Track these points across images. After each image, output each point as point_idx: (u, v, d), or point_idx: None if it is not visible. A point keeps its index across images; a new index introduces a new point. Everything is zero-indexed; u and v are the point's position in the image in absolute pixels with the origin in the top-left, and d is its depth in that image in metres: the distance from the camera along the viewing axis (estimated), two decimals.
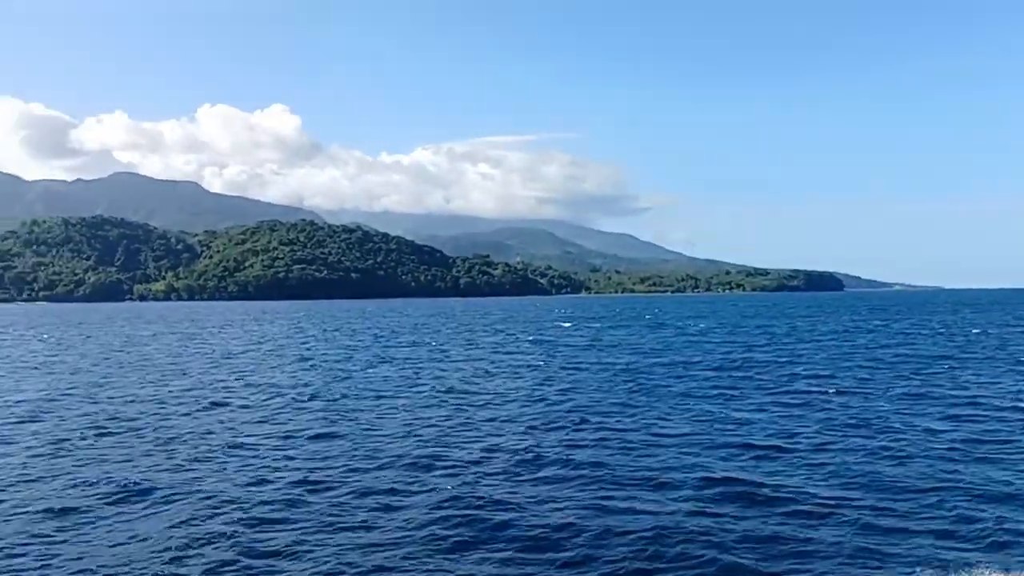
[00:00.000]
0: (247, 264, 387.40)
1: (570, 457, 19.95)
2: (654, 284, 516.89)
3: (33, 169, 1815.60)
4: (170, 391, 34.09)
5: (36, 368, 46.25)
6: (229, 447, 21.70)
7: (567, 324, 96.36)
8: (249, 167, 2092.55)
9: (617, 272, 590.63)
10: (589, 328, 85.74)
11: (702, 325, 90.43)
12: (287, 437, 23.24)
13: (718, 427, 24.14)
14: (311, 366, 45.46)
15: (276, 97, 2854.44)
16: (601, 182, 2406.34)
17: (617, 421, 25.18)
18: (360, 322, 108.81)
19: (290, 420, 26.30)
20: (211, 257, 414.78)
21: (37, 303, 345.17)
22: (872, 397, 29.78)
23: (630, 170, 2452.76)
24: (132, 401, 30.93)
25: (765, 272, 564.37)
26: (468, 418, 26.10)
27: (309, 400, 30.89)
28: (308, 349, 58.98)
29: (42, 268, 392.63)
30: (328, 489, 17.23)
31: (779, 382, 34.92)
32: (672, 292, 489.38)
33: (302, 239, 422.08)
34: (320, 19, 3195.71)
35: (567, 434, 23.26)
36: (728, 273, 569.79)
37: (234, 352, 56.87)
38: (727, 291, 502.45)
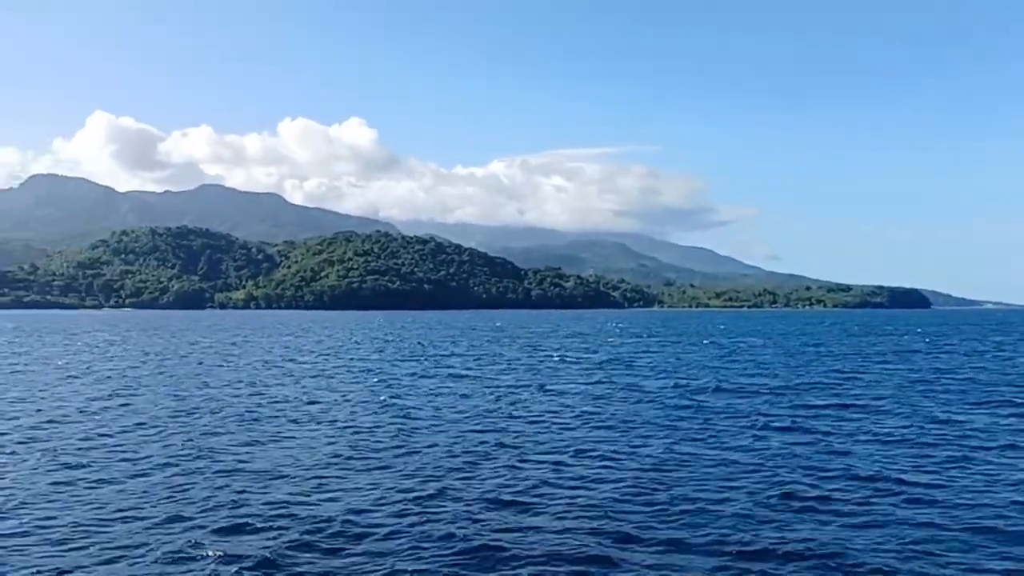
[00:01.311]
0: (323, 274, 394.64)
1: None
2: (730, 299, 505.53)
3: (124, 181, 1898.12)
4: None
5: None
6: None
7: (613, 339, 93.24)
8: (328, 179, 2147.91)
9: (692, 286, 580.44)
10: (623, 344, 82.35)
11: (755, 342, 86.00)
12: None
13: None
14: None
15: (353, 110, 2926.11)
16: (679, 195, 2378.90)
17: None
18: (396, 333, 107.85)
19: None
20: (289, 267, 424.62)
21: (123, 309, 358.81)
22: None
23: (710, 183, 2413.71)
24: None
25: (847, 288, 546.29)
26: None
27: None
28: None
29: (129, 276, 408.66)
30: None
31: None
32: (749, 307, 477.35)
33: (376, 250, 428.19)
34: (397, 33, 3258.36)
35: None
36: (808, 289, 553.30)
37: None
38: (807, 307, 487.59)
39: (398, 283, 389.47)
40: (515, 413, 29.33)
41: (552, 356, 61.63)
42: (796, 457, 21.35)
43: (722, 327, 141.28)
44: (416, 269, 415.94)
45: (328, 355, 62.42)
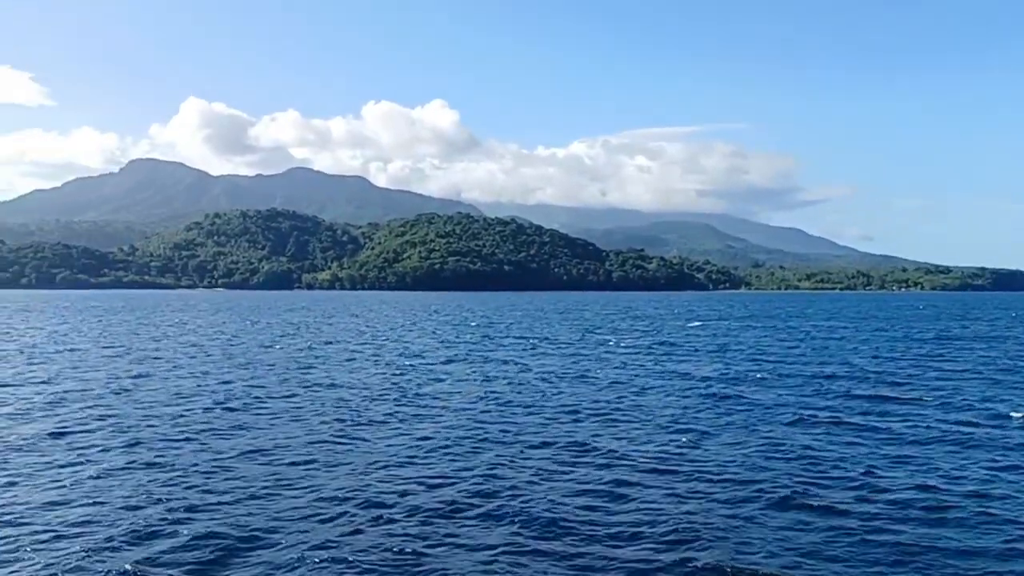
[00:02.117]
0: (405, 256, 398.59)
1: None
2: (821, 281, 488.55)
3: (217, 165, 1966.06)
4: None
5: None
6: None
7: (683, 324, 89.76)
8: (411, 161, 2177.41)
9: (781, 268, 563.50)
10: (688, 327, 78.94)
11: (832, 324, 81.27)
12: None
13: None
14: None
15: (436, 92, 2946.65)
16: (767, 174, 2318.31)
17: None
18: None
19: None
20: (373, 248, 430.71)
21: (216, 290, 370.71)
22: None
23: (800, 161, 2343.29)
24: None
25: (947, 270, 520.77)
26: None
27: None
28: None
29: (221, 257, 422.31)
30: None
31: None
32: (841, 290, 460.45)
33: (458, 231, 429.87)
34: (478, 13, 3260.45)
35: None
36: (904, 270, 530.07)
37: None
38: (902, 289, 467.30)
39: (479, 264, 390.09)
40: (519, 401, 27.30)
41: (608, 340, 59.65)
42: (801, 459, 19.04)
43: (808, 310, 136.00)
44: (497, 250, 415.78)
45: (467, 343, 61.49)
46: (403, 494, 15.89)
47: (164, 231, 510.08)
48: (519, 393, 30.37)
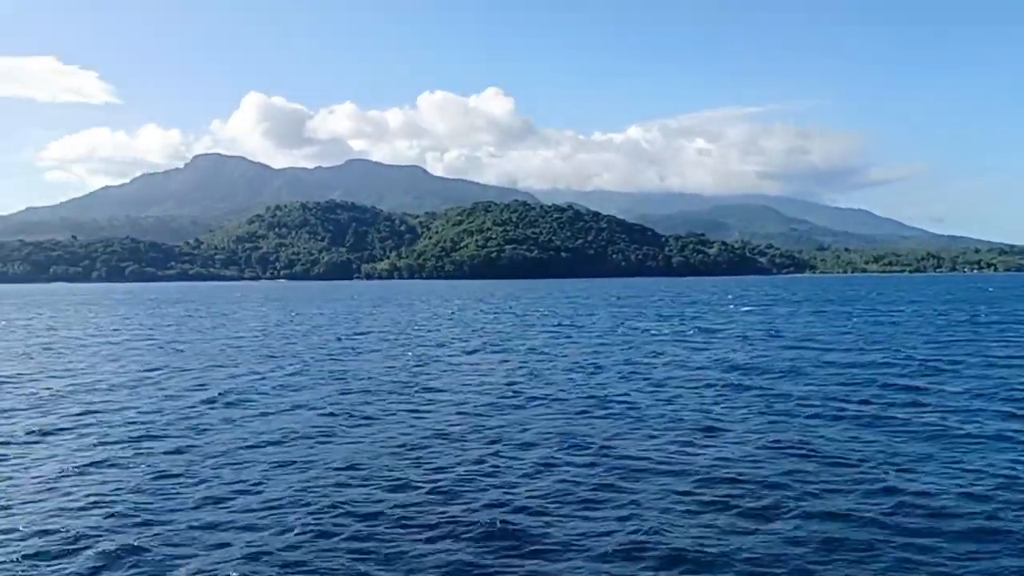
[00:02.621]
0: (462, 244, 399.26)
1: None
2: (889, 263, 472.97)
3: (278, 158, 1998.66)
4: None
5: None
6: None
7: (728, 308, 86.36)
8: (467, 150, 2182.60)
9: (847, 250, 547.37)
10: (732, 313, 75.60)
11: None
12: None
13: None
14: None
15: (491, 80, 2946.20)
16: (831, 154, 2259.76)
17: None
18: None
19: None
20: (430, 238, 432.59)
21: (278, 281, 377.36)
22: None
23: (865, 141, 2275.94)
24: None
25: (1022, 250, 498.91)
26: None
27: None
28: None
29: (283, 249, 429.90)
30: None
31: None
32: (911, 272, 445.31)
33: (514, 219, 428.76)
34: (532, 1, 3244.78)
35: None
36: (977, 251, 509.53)
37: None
38: (975, 271, 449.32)
39: (536, 252, 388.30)
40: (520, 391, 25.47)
41: (649, 327, 57.19)
42: (819, 458, 16.81)
43: (872, 294, 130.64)
44: (554, 237, 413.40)
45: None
46: (367, 489, 14.54)
47: (227, 224, 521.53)
48: (535, 383, 28.78)
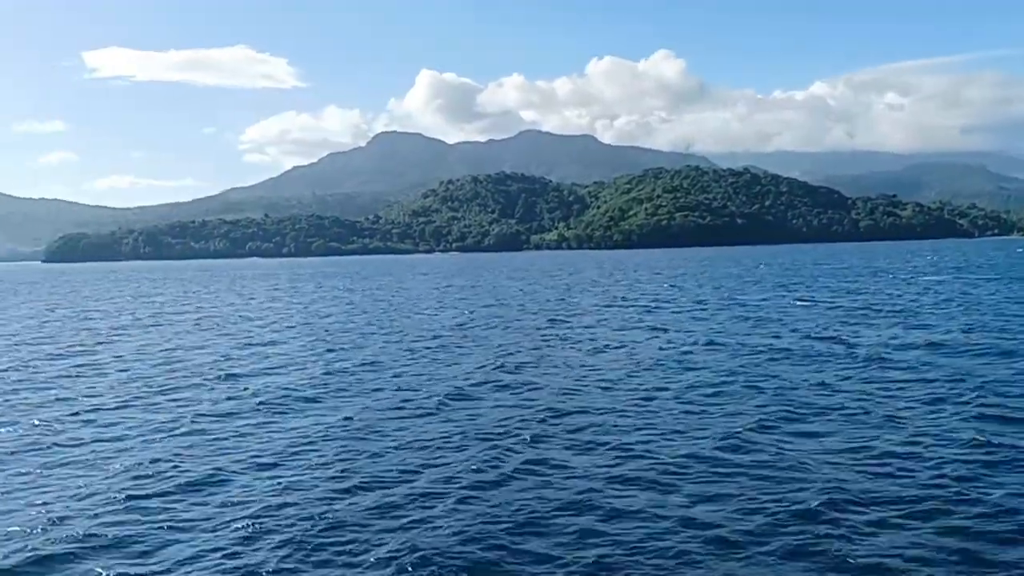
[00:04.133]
0: (631, 213, 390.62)
1: None
2: None
3: (451, 133, 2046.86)
4: None
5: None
6: None
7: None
8: (638, 116, 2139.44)
9: None
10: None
11: None
12: None
13: None
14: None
15: (660, 43, 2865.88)
16: None
17: None
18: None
19: None
20: (598, 207, 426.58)
21: (451, 253, 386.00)
22: None
23: None
24: None
25: None
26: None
27: None
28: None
29: (455, 222, 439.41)
30: None
31: None
32: None
33: (686, 185, 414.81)
34: None
35: None
36: None
37: None
38: None
39: (709, 218, 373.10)
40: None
41: (795, 302, 49.92)
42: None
43: None
44: (728, 203, 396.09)
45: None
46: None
47: (404, 199, 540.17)
48: (606, 369, 25.00)
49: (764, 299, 52.61)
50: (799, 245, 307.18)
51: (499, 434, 16.91)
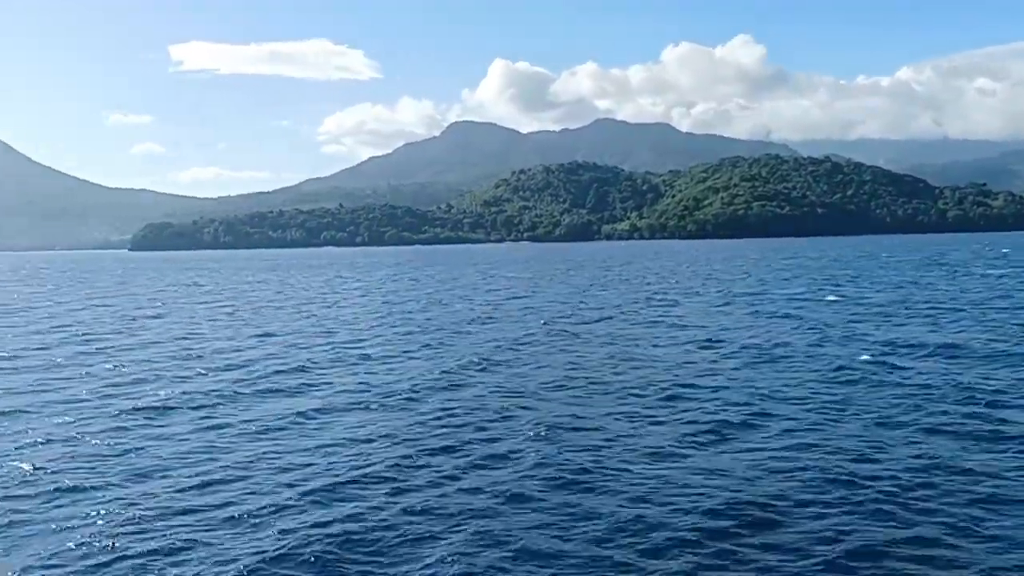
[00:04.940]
0: (706, 202, 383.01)
1: None
2: None
3: (525, 122, 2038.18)
4: None
5: None
6: None
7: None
8: (716, 103, 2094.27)
9: None
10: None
11: None
12: None
13: None
14: None
15: (738, 28, 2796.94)
16: None
17: None
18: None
19: None
20: (673, 196, 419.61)
21: (521, 243, 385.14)
22: None
23: None
24: None
25: None
26: None
27: None
28: None
29: (526, 211, 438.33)
30: None
31: None
32: None
33: (764, 174, 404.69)
34: None
35: None
36: None
37: None
38: None
39: (787, 208, 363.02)
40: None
41: (827, 295, 48.82)
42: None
43: None
44: (808, 192, 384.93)
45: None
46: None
47: (477, 189, 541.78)
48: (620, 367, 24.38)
49: (795, 293, 52.04)
50: (882, 236, 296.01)
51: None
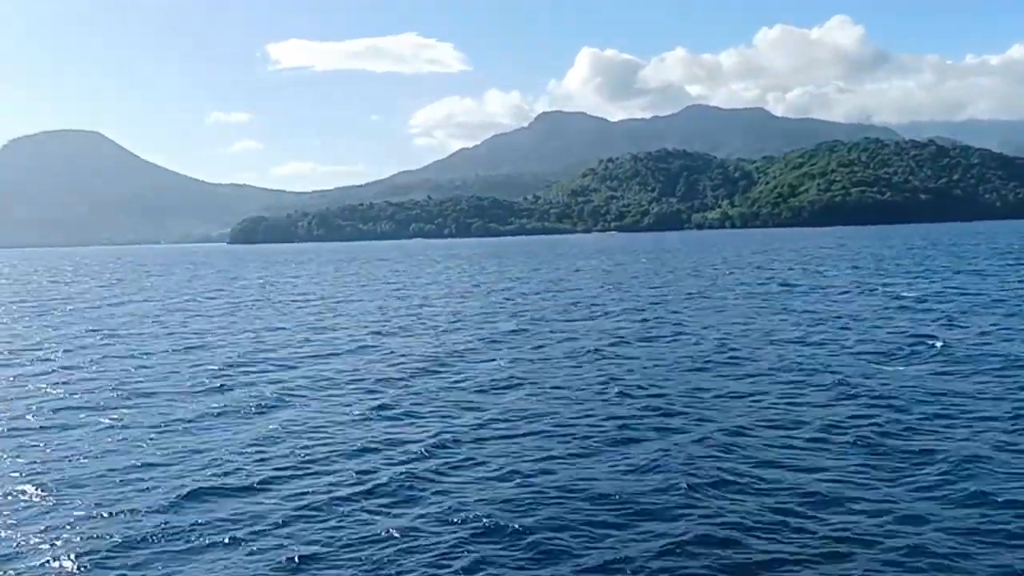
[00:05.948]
0: (801, 189, 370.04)
1: None
2: None
3: (614, 111, 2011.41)
4: None
5: None
6: None
7: None
8: (813, 87, 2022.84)
9: None
10: None
11: None
12: None
13: None
14: None
15: (835, 8, 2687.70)
16: None
17: None
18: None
19: None
20: (766, 183, 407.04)
21: (609, 233, 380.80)
22: None
23: None
24: None
25: None
26: None
27: None
28: None
29: (614, 201, 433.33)
30: None
31: None
32: None
33: (863, 159, 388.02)
34: None
35: None
36: None
37: None
38: None
39: (888, 194, 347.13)
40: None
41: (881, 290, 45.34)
42: None
43: None
44: (911, 177, 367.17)
45: None
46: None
47: (566, 179, 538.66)
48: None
49: (831, 286, 49.92)
50: (993, 222, 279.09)
51: None
